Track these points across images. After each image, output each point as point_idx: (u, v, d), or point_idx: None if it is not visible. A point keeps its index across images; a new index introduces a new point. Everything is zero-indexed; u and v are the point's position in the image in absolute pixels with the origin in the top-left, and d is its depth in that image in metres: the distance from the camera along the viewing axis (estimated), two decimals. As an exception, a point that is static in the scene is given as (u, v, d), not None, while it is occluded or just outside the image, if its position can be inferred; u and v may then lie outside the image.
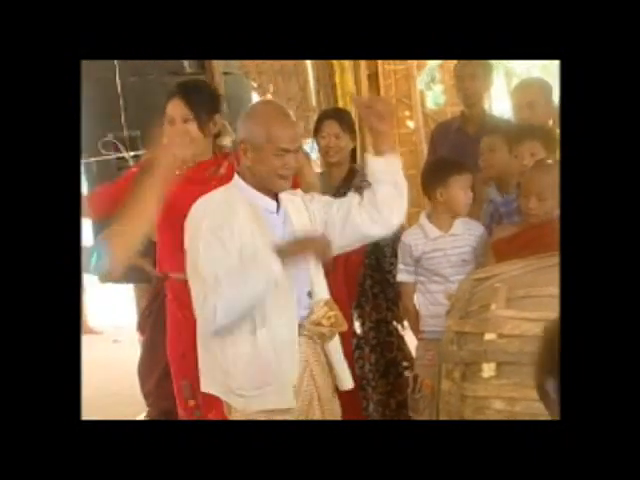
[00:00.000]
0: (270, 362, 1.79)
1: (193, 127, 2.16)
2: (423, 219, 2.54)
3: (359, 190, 2.77)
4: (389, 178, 1.90)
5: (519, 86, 3.10)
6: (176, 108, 2.16)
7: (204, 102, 2.18)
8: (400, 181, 1.93)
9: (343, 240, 1.93)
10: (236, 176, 1.88)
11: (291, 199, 1.94)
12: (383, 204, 1.89)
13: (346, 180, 2.83)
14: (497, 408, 1.61)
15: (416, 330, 2.61)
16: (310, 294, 1.90)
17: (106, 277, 1.49)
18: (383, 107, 1.92)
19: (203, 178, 2.20)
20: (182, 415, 2.30)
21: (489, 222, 2.58)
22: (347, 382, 1.99)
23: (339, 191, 2.81)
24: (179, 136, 2.14)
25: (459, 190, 2.44)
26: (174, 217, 2.16)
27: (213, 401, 2.15)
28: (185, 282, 2.23)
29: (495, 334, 1.64)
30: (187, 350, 2.25)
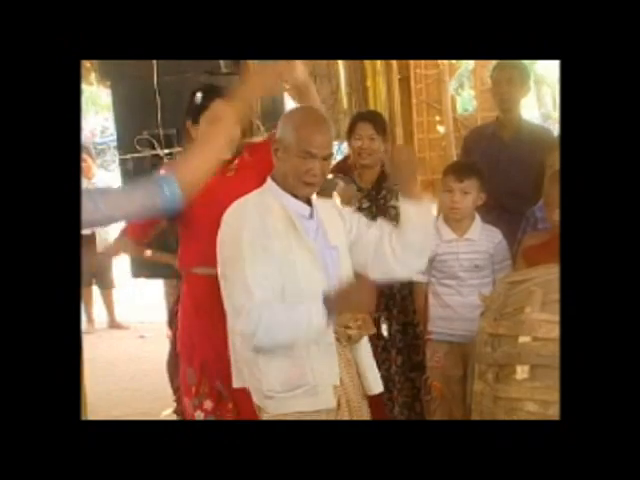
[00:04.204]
0: (303, 364, 1.79)
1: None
2: (440, 220, 2.56)
3: (390, 192, 2.81)
4: (421, 224, 1.92)
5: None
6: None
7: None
8: (431, 229, 1.98)
9: (369, 267, 1.95)
10: (269, 180, 1.88)
11: (323, 205, 1.95)
12: (410, 248, 1.92)
13: (378, 182, 2.85)
14: (530, 410, 1.62)
15: (425, 330, 2.64)
16: None
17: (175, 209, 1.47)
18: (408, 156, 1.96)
19: (219, 170, 2.26)
20: (186, 402, 2.36)
21: (524, 225, 2.58)
22: (377, 386, 1.98)
23: (370, 193, 2.84)
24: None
25: (451, 193, 2.47)
26: (194, 211, 2.21)
27: (214, 391, 2.25)
28: (202, 277, 2.28)
29: (529, 337, 1.65)
30: (196, 343, 2.33)
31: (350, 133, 2.83)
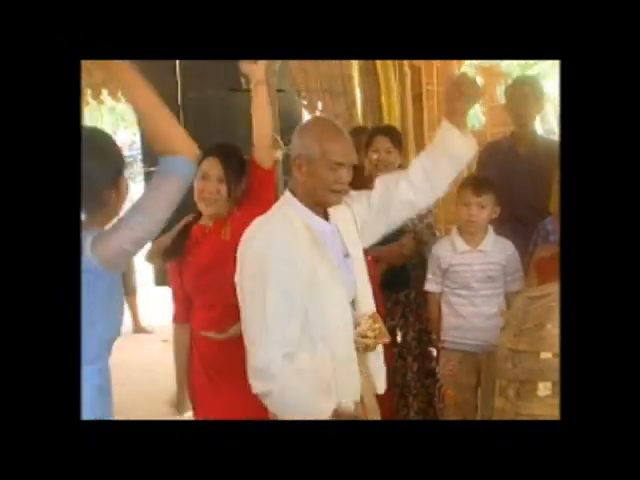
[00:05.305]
0: (329, 379, 1.70)
1: (223, 189, 2.17)
2: (454, 232, 2.52)
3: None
4: (456, 154, 1.80)
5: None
6: (213, 167, 2.17)
7: (237, 167, 2.20)
8: (464, 162, 1.84)
9: (390, 224, 1.90)
10: (288, 194, 1.79)
11: (340, 215, 1.86)
12: (437, 178, 1.81)
13: None
14: (553, 428, 1.53)
15: (438, 338, 2.60)
16: (353, 305, 1.83)
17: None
18: (467, 87, 1.77)
19: (220, 239, 2.19)
20: None
21: (535, 238, 2.51)
22: (381, 386, 1.90)
23: None
24: (210, 193, 2.16)
25: (468, 207, 2.42)
26: (195, 279, 2.17)
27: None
28: (211, 341, 2.16)
29: (551, 353, 1.57)
30: (210, 404, 2.21)
31: (368, 146, 2.78)
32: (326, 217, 1.82)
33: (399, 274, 2.61)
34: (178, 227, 2.25)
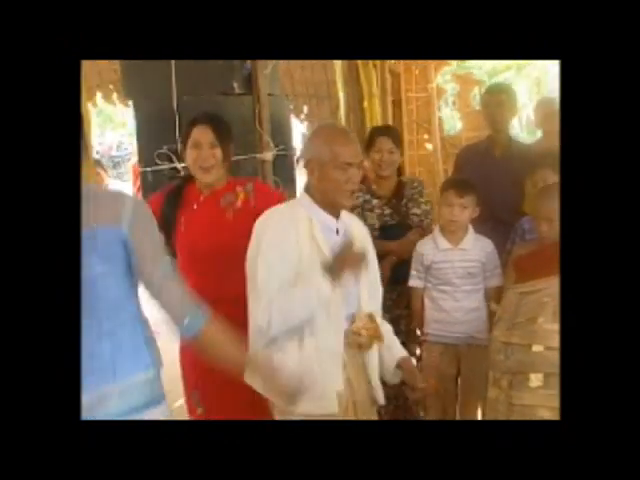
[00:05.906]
0: (312, 369, 1.71)
1: (219, 153, 2.13)
2: (436, 231, 2.55)
3: (411, 201, 2.74)
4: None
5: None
6: (204, 134, 2.13)
7: (226, 131, 2.18)
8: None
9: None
10: (303, 193, 1.84)
11: (351, 221, 1.89)
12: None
13: (396, 192, 2.78)
14: (544, 417, 1.54)
15: (421, 331, 2.62)
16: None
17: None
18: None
19: (218, 208, 2.17)
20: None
21: (513, 236, 2.54)
22: (380, 398, 1.91)
23: (391, 201, 2.76)
24: (206, 160, 2.13)
25: (451, 207, 2.45)
26: (189, 245, 2.16)
27: (220, 408, 2.13)
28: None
29: (542, 346, 1.59)
30: (198, 362, 2.20)
31: (369, 147, 2.75)
32: (337, 219, 1.84)
33: (404, 267, 2.63)
34: (168, 191, 2.22)
